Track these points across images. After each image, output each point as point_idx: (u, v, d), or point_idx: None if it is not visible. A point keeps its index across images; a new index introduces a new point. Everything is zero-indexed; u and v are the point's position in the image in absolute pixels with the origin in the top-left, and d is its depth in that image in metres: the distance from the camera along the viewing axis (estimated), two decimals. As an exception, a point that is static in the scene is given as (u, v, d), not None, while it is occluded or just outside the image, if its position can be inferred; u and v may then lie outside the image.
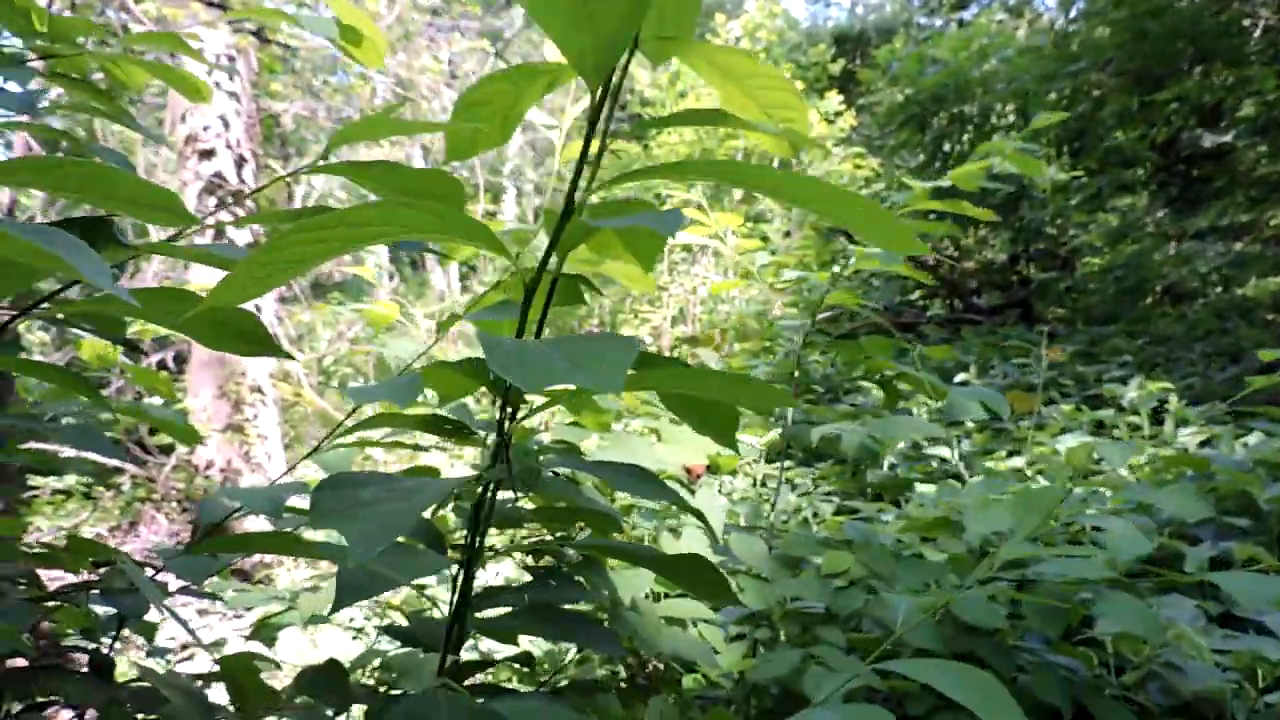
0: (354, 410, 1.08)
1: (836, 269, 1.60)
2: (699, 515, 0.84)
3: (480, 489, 0.81)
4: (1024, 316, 11.32)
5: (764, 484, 2.91)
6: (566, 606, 0.97)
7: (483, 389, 1.05)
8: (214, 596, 1.04)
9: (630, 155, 11.50)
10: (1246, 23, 8.66)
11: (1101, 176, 10.40)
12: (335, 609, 0.73)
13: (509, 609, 0.96)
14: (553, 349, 0.52)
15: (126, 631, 1.08)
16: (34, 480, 6.86)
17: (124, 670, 2.13)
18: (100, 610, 1.04)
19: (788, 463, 3.24)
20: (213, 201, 7.21)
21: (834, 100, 11.69)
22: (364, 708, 1.11)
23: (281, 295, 8.55)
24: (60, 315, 0.80)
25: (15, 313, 0.73)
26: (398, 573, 0.76)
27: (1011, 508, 1.13)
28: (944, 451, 3.37)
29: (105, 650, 1.01)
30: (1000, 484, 1.73)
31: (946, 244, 11.30)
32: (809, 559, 1.46)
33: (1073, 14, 11.59)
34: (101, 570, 0.98)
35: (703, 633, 1.33)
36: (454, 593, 0.80)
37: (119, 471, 7.38)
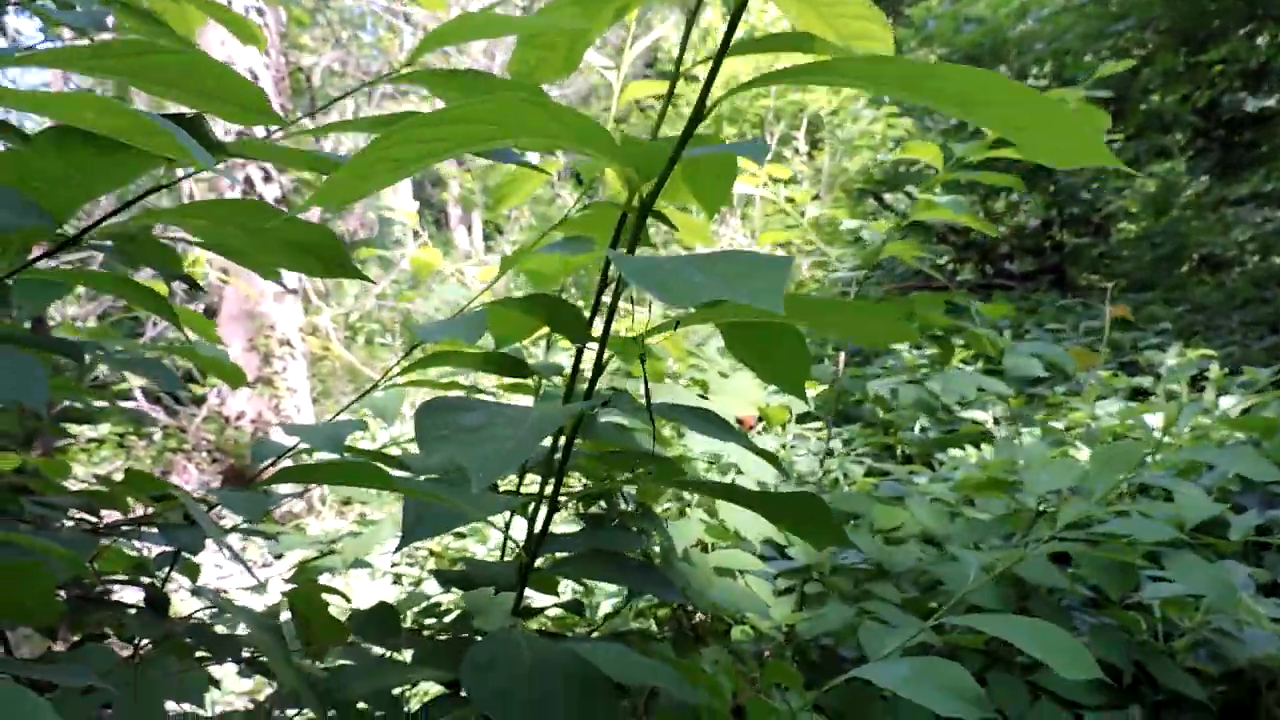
0: (410, 349, 1.05)
1: (885, 224, 1.55)
2: (771, 458, 0.81)
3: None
4: (1057, 283, 11.14)
5: (791, 443, 2.89)
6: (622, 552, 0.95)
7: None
8: (264, 534, 1.03)
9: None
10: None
11: (1140, 141, 10.15)
12: (403, 544, 0.71)
13: (565, 554, 0.94)
14: (688, 265, 0.49)
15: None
16: (70, 428, 6.95)
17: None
18: (146, 551, 1.03)
19: (817, 424, 3.21)
20: (260, 172, 7.19)
21: (867, 58, 11.41)
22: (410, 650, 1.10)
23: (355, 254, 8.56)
24: (112, 241, 0.78)
25: (75, 234, 0.70)
26: (463, 512, 0.73)
27: (1092, 465, 1.10)
28: (979, 414, 3.33)
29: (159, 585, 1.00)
30: (1049, 444, 1.69)
31: (977, 207, 11.12)
32: (859, 515, 1.43)
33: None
34: (158, 505, 0.97)
35: (751, 585, 1.31)
36: (531, 536, 0.77)
37: (151, 421, 7.47)
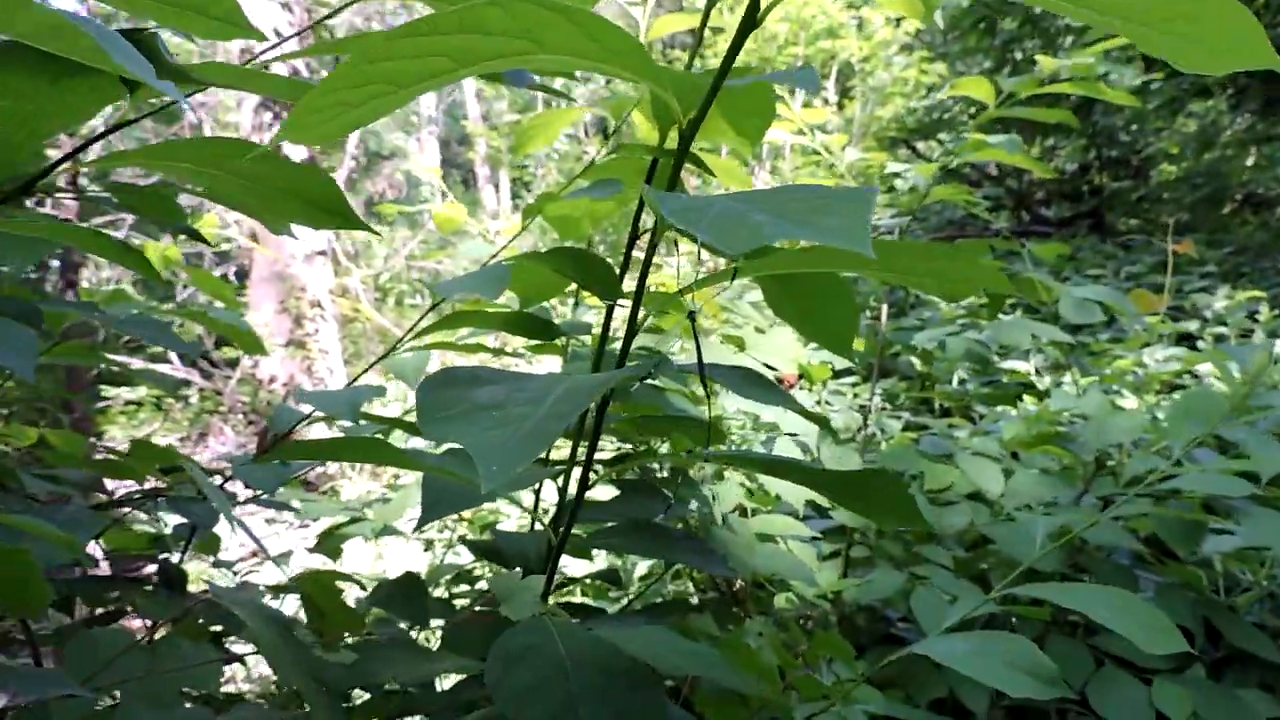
0: (430, 309, 0.99)
1: (936, 166, 1.46)
2: (822, 422, 0.74)
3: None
4: (1095, 228, 10.85)
5: (831, 397, 2.81)
6: (659, 521, 0.89)
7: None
8: (284, 506, 0.99)
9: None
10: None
11: (1181, 79, 9.79)
12: (422, 523, 0.66)
13: (599, 524, 0.89)
14: (740, 204, 0.40)
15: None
16: (107, 391, 7.03)
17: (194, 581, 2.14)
18: (169, 521, 0.99)
19: (853, 379, 3.13)
20: (269, 116, 7.14)
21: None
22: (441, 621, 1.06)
23: (374, 210, 8.53)
24: (110, 193, 0.72)
25: (75, 194, 0.65)
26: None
27: (1168, 418, 1.02)
28: (1020, 365, 3.22)
29: (176, 561, 0.96)
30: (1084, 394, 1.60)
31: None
32: (906, 473, 1.37)
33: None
34: (168, 478, 0.93)
35: (793, 550, 1.25)
36: (562, 507, 0.72)
37: (187, 384, 7.54)
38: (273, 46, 0.65)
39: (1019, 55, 10.69)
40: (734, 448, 1.36)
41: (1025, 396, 2.44)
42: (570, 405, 0.43)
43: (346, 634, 0.74)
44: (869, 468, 0.58)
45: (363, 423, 0.86)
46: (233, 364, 7.54)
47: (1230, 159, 9.39)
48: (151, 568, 1.01)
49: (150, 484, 0.94)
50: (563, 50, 0.44)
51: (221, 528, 1.02)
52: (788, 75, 0.60)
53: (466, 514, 1.70)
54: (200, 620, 0.79)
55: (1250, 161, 9.20)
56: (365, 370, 1.01)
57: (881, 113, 10.52)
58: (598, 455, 1.18)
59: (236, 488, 1.08)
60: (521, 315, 0.87)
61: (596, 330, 1.03)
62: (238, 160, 0.56)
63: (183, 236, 0.90)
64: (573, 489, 0.77)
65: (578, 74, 0.87)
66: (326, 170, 8.32)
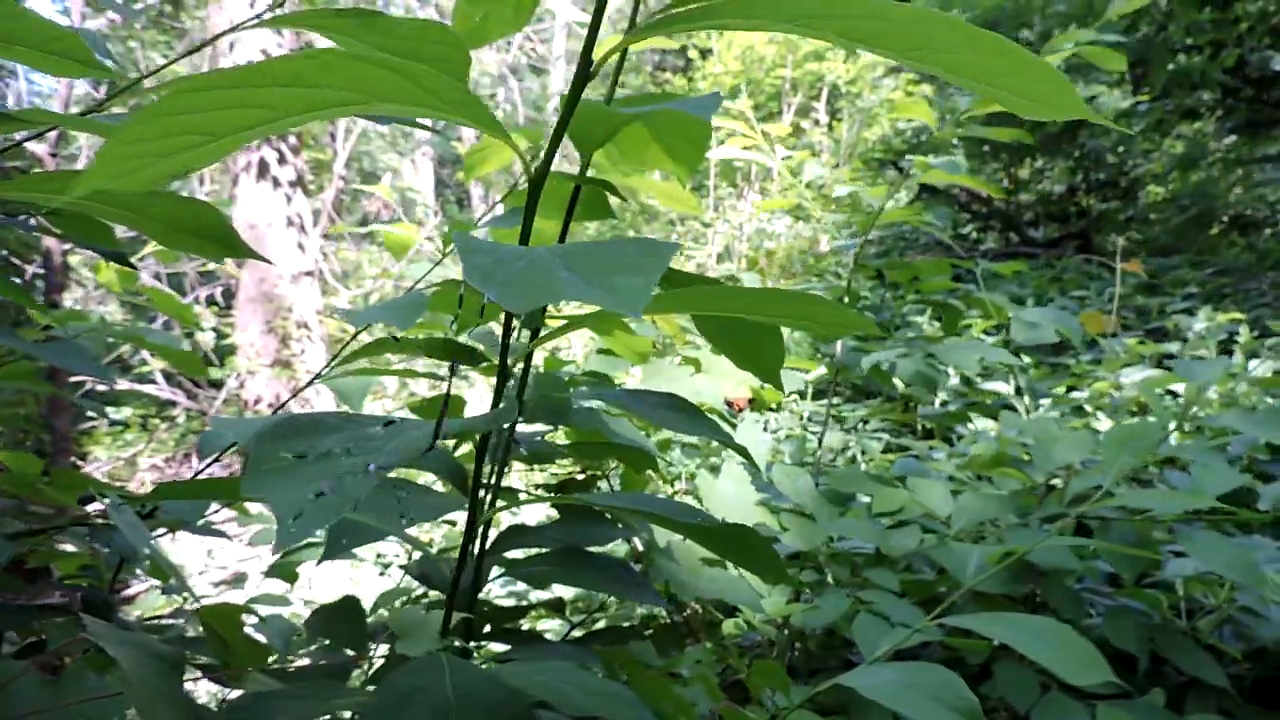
0: (356, 334, 0.99)
1: (890, 186, 1.46)
2: (741, 450, 0.74)
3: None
4: (1083, 249, 10.91)
5: (809, 420, 2.80)
6: (596, 549, 0.88)
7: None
8: (218, 533, 0.98)
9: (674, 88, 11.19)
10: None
11: (1167, 100, 9.89)
12: (325, 558, 0.66)
13: (536, 551, 0.88)
14: (553, 257, 0.40)
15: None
16: (92, 411, 7.00)
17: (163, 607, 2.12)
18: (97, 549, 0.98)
19: (835, 400, 3.13)
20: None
21: (885, 26, 11.11)
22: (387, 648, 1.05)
23: (326, 231, 8.53)
24: (38, 216, 0.72)
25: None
26: (401, 514, 0.67)
27: (1105, 446, 1.02)
28: (999, 386, 3.23)
29: (109, 588, 0.95)
30: (1064, 416, 1.60)
31: (1000, 175, 10.89)
32: (858, 497, 1.36)
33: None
34: (94, 505, 0.92)
35: (744, 574, 1.24)
36: (466, 538, 0.71)
37: (173, 405, 7.51)
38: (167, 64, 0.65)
39: (1005, 78, 10.75)
40: (672, 472, 1.36)
41: (999, 418, 2.44)
42: (405, 455, 0.42)
43: (251, 669, 0.73)
44: (730, 525, 0.58)
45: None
46: (218, 385, 7.52)
47: (1217, 180, 9.49)
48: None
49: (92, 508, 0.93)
50: (398, 100, 0.44)
51: (195, 552, 1.01)
52: (688, 102, 0.61)
53: (430, 536, 1.69)
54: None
55: (1236, 184, 9.29)
56: (295, 394, 1.00)
57: (868, 134, 10.59)
58: (540, 480, 1.17)
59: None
60: (445, 342, 0.87)
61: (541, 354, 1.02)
62: (116, 194, 0.56)
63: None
64: (479, 523, 0.76)
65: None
66: (315, 190, 8.31)
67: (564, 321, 0.81)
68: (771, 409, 1.72)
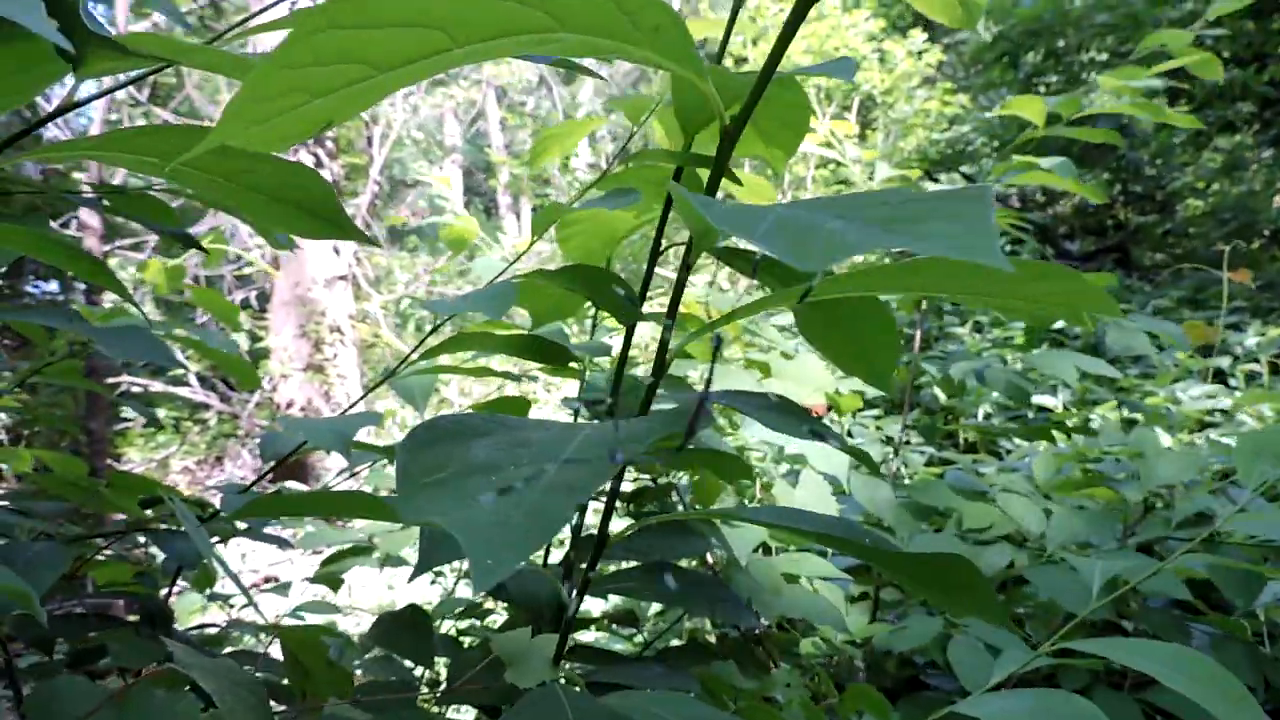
0: (434, 329, 0.94)
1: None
2: (863, 456, 0.67)
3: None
4: (1120, 263, 10.74)
5: (855, 429, 2.71)
6: (681, 563, 0.82)
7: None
8: (277, 540, 0.93)
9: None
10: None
11: (1208, 111, 9.72)
12: (417, 574, 0.60)
13: (614, 563, 0.82)
14: (814, 210, 0.31)
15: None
16: (127, 413, 7.04)
17: (195, 613, 2.08)
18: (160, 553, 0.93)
19: (875, 411, 3.04)
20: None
21: (918, 38, 11.05)
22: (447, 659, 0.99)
23: (373, 228, 8.54)
24: (103, 199, 0.67)
25: (44, 191, 0.60)
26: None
27: (1237, 456, 0.94)
28: (1048, 400, 3.13)
29: (164, 595, 0.90)
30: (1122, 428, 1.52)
31: (1034, 187, 10.75)
32: (942, 511, 1.29)
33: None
34: (155, 509, 0.87)
35: (820, 590, 1.18)
36: (577, 545, 0.65)
37: (206, 407, 7.54)
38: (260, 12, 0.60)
39: (1042, 89, 10.64)
40: (762, 483, 1.29)
41: (1055, 433, 2.35)
42: (588, 470, 0.34)
43: (333, 698, 0.67)
44: (938, 554, 0.49)
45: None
46: (251, 389, 7.54)
47: (1257, 194, 9.31)
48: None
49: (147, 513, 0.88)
50: (590, 28, 0.36)
51: (229, 554, 0.96)
52: (824, 66, 0.54)
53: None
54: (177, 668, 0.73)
55: (1275, 195, 9.10)
56: (365, 394, 0.95)
57: (903, 144, 10.48)
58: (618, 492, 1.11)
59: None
60: (530, 338, 0.81)
61: (616, 353, 0.96)
62: (218, 158, 0.49)
63: (196, 257, 0.84)
64: (590, 529, 0.70)
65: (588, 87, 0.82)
66: (350, 194, 8.33)
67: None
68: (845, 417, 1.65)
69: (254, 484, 0.91)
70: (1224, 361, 4.24)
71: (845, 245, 0.27)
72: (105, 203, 0.69)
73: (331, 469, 6.26)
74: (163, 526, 0.84)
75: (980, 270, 0.43)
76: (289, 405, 7.25)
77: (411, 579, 0.57)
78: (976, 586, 0.48)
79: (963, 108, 10.84)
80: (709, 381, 0.48)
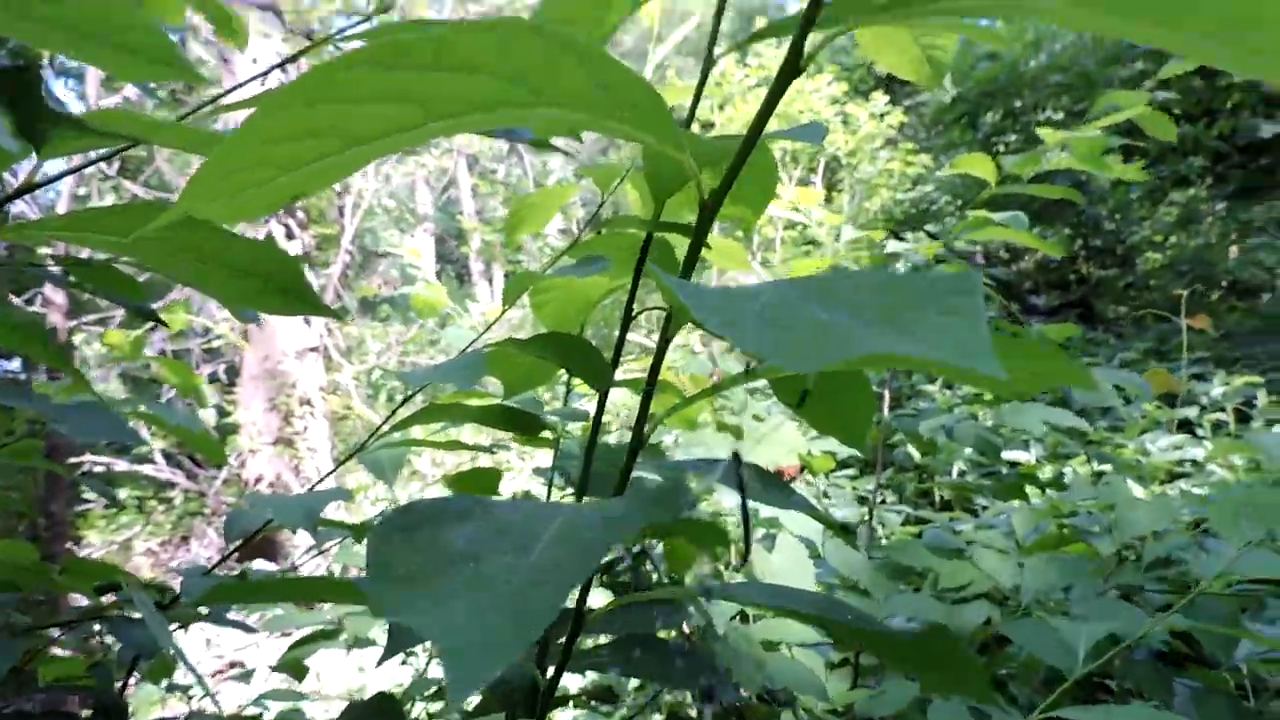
0: (405, 400, 0.92)
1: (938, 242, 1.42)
2: (832, 524, 0.67)
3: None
4: (1084, 317, 10.94)
5: (830, 489, 2.71)
6: (662, 635, 0.80)
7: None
8: (244, 628, 0.90)
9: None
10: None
11: (1162, 166, 10.05)
12: (386, 656, 0.58)
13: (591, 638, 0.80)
14: (796, 296, 0.30)
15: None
16: (89, 494, 6.88)
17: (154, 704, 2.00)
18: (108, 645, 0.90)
19: (850, 471, 3.05)
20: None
21: (880, 101, 11.38)
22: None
23: (332, 306, 8.51)
24: (68, 273, 0.66)
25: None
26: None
27: (1215, 515, 0.94)
28: (1020, 455, 3.14)
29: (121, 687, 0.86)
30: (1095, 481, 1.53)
31: (998, 243, 10.97)
32: (913, 571, 1.28)
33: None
34: (112, 595, 0.84)
35: (799, 657, 1.16)
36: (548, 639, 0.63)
37: (171, 485, 7.39)
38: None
39: (1001, 148, 10.96)
40: (737, 549, 1.27)
41: (1028, 488, 2.36)
42: (572, 556, 0.33)
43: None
44: (923, 632, 0.48)
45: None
46: (218, 464, 7.41)
47: (1213, 246, 9.59)
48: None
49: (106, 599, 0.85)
50: (565, 102, 0.35)
51: (193, 640, 0.92)
52: (794, 131, 0.55)
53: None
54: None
55: (1231, 245, 9.38)
56: (334, 469, 0.93)
57: (869, 204, 10.70)
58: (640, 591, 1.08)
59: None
60: (502, 409, 0.80)
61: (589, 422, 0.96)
62: (185, 233, 0.49)
63: (164, 330, 0.83)
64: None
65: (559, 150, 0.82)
66: (321, 264, 8.32)
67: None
68: (819, 476, 1.65)
69: (218, 564, 0.88)
70: (1191, 411, 4.30)
71: (838, 346, 0.26)
72: (70, 277, 0.68)
73: (300, 546, 6.14)
74: (119, 614, 0.81)
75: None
76: (258, 480, 7.13)
77: (380, 662, 0.55)
78: (959, 661, 0.47)
79: (925, 168, 11.12)
80: (744, 495, 0.47)
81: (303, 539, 6.12)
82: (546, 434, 1.12)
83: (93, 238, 0.47)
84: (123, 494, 7.25)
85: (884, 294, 0.29)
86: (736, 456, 0.50)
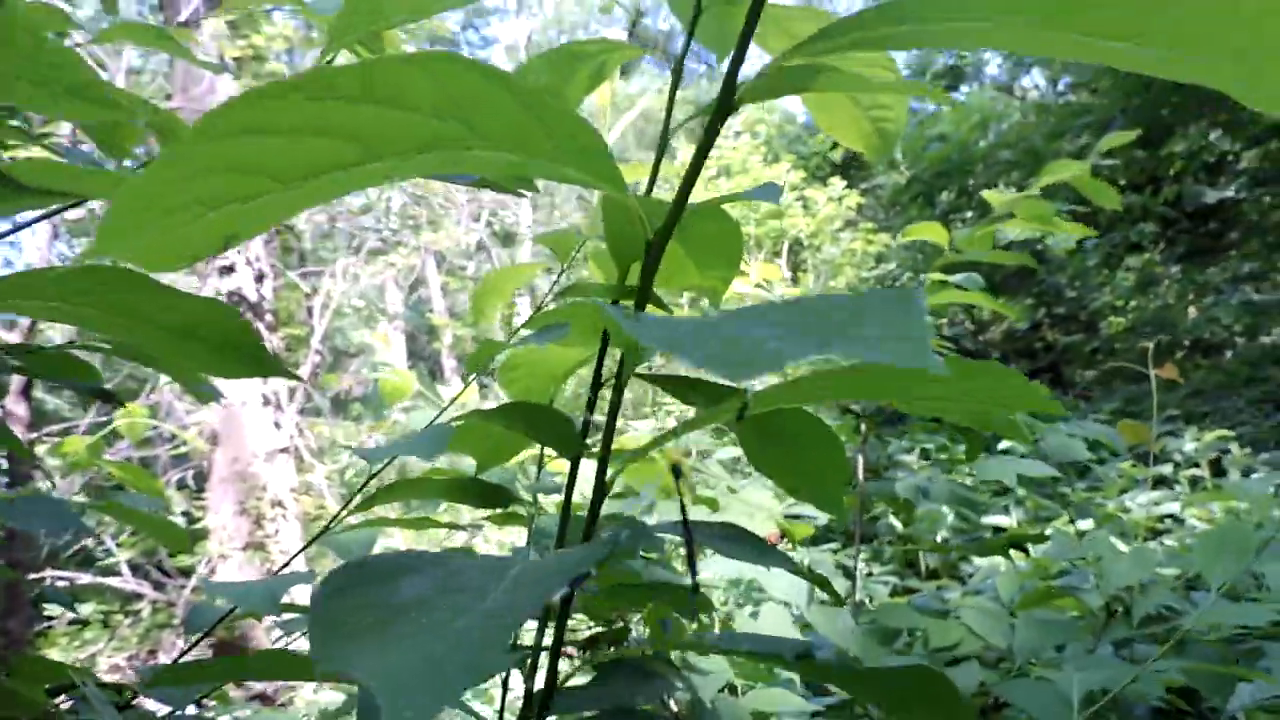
0: (370, 478, 0.90)
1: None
2: (822, 582, 0.65)
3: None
4: (1054, 383, 11.09)
5: (810, 561, 2.68)
6: (648, 708, 0.77)
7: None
8: (209, 723, 0.86)
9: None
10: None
11: (1113, 234, 10.38)
12: (353, 729, 0.55)
13: (576, 715, 0.77)
14: (740, 320, 0.30)
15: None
16: (50, 609, 6.64)
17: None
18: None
19: (833, 545, 3.02)
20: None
21: (837, 185, 11.71)
22: None
23: (302, 408, 8.43)
24: (15, 360, 0.64)
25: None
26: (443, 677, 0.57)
27: (1199, 553, 0.94)
28: (1001, 519, 3.13)
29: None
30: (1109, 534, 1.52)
31: (962, 316, 11.17)
32: (902, 635, 1.26)
33: (1060, 86, 11.83)
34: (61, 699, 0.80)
35: (792, 730, 1.12)
36: (529, 703, 0.61)
37: (138, 597, 7.15)
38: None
39: (959, 224, 11.26)
40: (720, 618, 1.24)
41: (1013, 551, 2.35)
42: (525, 598, 0.32)
43: None
44: (907, 665, 0.47)
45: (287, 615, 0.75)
46: (187, 572, 7.20)
47: (1172, 306, 9.83)
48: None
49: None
50: (505, 142, 0.34)
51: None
52: (751, 192, 0.56)
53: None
54: None
55: (1190, 304, 9.62)
56: (297, 554, 0.90)
57: (834, 283, 10.90)
58: (571, 639, 1.05)
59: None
60: (471, 481, 0.78)
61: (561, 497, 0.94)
62: (121, 293, 0.47)
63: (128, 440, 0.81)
64: (540, 681, 0.66)
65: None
66: (291, 364, 8.29)
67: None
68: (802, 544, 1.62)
69: (181, 656, 0.85)
70: (1166, 469, 4.33)
71: (776, 355, 0.25)
72: (15, 363, 0.66)
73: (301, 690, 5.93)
74: (75, 718, 0.77)
75: (913, 371, 0.42)
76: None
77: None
78: (950, 702, 0.45)
79: (886, 246, 11.38)
80: (684, 509, 0.46)
81: (272, 638, 5.91)
82: (520, 511, 1.10)
83: (23, 304, 0.45)
84: (87, 609, 7.00)
85: (823, 312, 0.29)
86: (683, 508, 0.49)
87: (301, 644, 1.40)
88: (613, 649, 1.04)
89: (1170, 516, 3.06)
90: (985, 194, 1.33)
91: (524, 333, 0.75)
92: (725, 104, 0.44)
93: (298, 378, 0.58)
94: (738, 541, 0.66)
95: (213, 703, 1.20)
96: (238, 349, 0.53)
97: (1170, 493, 3.10)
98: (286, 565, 0.88)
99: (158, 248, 0.33)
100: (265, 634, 6.25)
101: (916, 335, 0.25)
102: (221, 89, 6.42)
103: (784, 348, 0.26)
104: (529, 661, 0.72)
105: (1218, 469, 4.13)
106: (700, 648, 0.54)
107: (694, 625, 1.22)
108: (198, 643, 0.81)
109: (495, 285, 1.03)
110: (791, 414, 0.69)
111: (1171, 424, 6.98)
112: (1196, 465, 4.26)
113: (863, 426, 1.49)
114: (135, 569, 7.09)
